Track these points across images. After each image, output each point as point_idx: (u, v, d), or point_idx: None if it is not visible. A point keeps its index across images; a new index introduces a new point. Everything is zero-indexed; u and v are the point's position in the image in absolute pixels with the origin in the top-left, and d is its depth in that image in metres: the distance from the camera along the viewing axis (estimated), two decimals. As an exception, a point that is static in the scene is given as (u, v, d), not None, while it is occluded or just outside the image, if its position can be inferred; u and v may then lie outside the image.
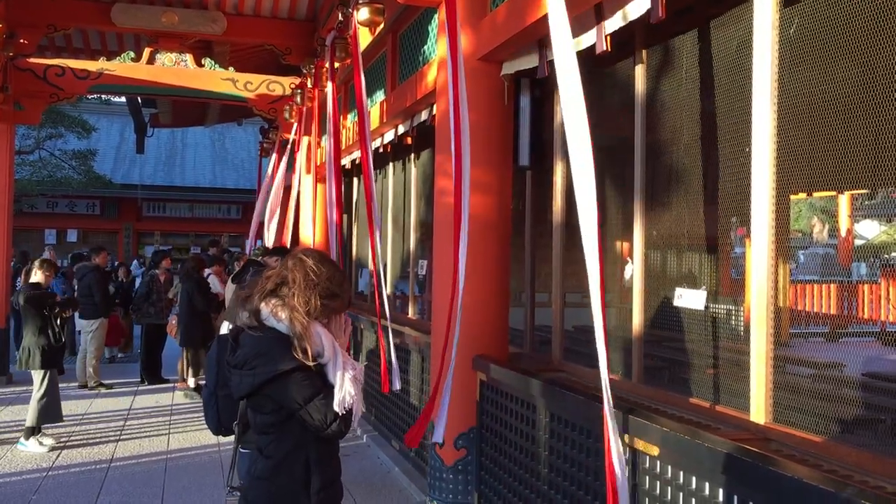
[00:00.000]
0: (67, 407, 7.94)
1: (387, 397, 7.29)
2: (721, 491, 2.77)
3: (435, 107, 5.42)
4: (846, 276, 5.47)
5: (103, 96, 20.83)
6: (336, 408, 2.54)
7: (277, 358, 2.54)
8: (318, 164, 9.67)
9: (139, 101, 14.41)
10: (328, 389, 2.57)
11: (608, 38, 3.87)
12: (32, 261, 8.29)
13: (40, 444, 7.04)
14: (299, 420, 2.57)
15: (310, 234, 9.96)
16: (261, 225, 11.35)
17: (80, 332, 10.68)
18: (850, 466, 2.65)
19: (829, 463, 2.70)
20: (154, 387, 10.34)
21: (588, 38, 4.15)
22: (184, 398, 9.58)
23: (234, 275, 9.75)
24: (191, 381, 9.69)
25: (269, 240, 10.12)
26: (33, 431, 7.10)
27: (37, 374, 7.13)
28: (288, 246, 9.16)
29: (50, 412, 7.21)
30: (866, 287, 5.13)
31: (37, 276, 7.40)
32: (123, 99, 17.34)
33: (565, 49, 3.22)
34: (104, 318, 10.55)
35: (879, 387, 3.04)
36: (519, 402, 4.46)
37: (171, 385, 10.29)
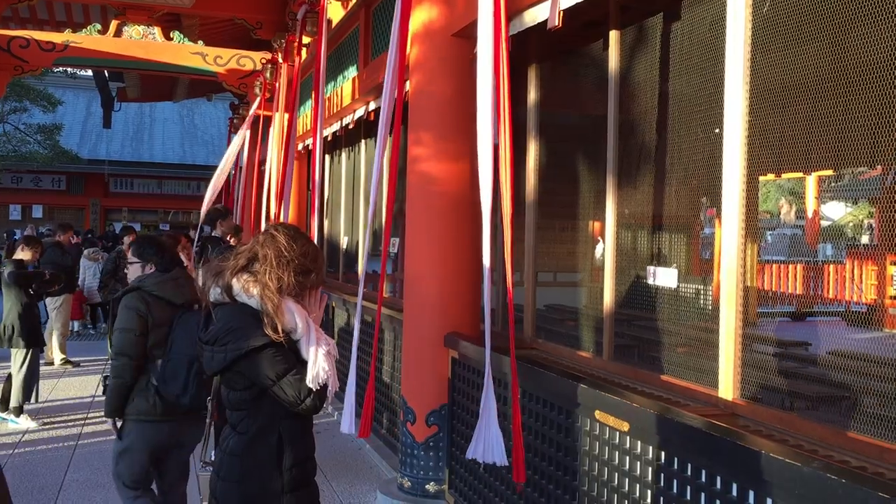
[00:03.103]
0: (34, 384, 7.84)
1: (358, 375, 7.28)
2: (690, 465, 2.81)
3: (409, 83, 5.38)
4: (812, 256, 5.55)
5: (69, 69, 20.39)
6: (309, 383, 2.53)
7: (249, 334, 2.52)
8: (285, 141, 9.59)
9: (106, 74, 14.15)
10: (301, 365, 2.56)
11: (562, 13, 3.84)
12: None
13: (14, 422, 6.99)
14: (272, 396, 2.55)
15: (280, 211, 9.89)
16: (233, 200, 11.24)
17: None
18: (815, 441, 2.70)
19: (796, 438, 2.75)
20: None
21: (542, 12, 4.12)
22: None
23: (196, 255, 9.68)
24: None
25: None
26: (21, 409, 7.07)
27: (19, 353, 7.01)
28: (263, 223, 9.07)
29: (29, 390, 7.15)
30: (832, 267, 5.21)
31: (24, 252, 7.20)
32: (90, 72, 17.01)
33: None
34: (68, 294, 10.41)
35: (844, 365, 3.10)
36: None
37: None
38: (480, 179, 3.47)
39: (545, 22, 3.85)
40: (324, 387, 2.56)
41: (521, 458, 3.43)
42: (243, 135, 10.46)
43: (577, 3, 3.75)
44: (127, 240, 10.86)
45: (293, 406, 2.54)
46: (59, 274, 8.45)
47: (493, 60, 3.56)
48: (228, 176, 12.06)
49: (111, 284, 10.63)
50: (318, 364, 2.54)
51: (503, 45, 3.68)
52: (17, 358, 7.03)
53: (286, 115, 8.25)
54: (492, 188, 3.47)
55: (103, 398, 4.25)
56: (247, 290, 2.58)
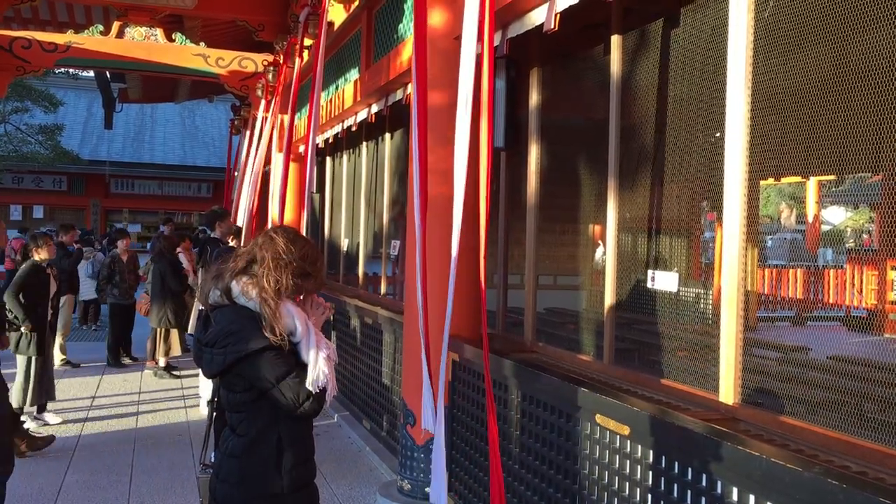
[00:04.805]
0: (33, 385, 7.83)
1: (358, 377, 7.29)
2: (690, 470, 2.81)
3: (410, 86, 5.38)
4: (812, 261, 5.55)
5: (71, 70, 20.40)
6: (309, 386, 2.53)
7: (249, 336, 2.52)
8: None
9: (107, 75, 14.16)
10: (301, 368, 2.56)
11: (558, 16, 3.84)
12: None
13: (45, 421, 7.05)
14: (271, 399, 2.56)
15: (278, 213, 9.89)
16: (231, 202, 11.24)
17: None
18: (816, 447, 2.70)
19: (796, 443, 2.75)
20: (122, 366, 10.25)
21: (538, 15, 4.12)
22: (153, 377, 9.50)
23: (196, 257, 9.67)
24: (161, 361, 9.61)
25: (241, 219, 10.05)
26: (44, 407, 7.15)
27: (23, 359, 6.99)
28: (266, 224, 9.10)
29: (49, 391, 7.22)
30: (832, 272, 5.21)
31: (40, 252, 7.05)
32: (91, 73, 17.02)
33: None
34: (71, 295, 10.43)
35: (844, 370, 3.10)
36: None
37: (139, 364, 10.21)
38: (455, 179, 3.48)
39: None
40: (323, 390, 2.56)
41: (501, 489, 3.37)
42: (265, 135, 10.46)
43: (578, 8, 3.75)
44: (121, 244, 10.85)
45: (292, 409, 2.54)
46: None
47: (477, 61, 3.57)
48: (231, 177, 12.06)
49: (108, 289, 10.65)
50: (318, 367, 2.54)
51: (486, 48, 3.68)
52: (23, 365, 6.99)
53: (284, 117, 8.27)
54: (482, 189, 3.47)
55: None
56: (246, 292, 2.58)
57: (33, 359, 6.88)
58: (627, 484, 3.18)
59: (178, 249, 9.99)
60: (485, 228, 3.53)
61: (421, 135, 4.29)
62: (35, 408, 7.13)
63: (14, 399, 7.00)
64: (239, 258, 2.67)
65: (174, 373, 9.63)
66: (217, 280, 2.66)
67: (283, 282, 2.58)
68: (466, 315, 5.05)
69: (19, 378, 6.88)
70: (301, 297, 2.72)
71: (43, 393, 7.03)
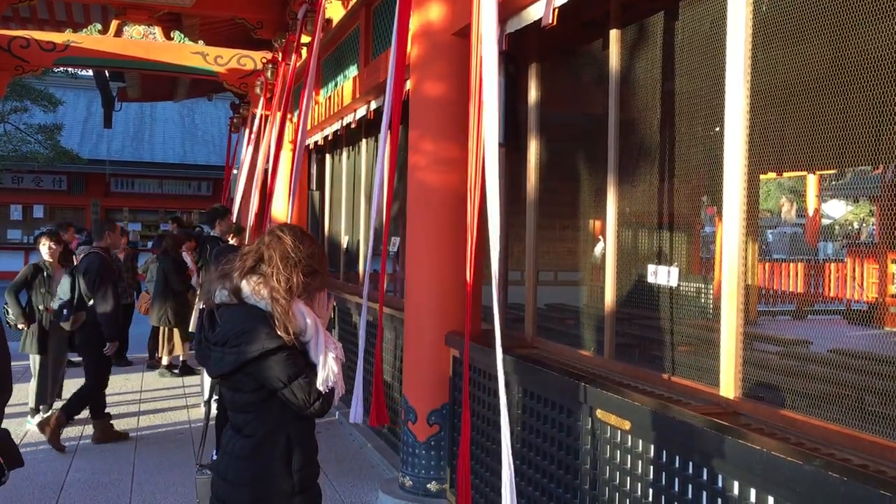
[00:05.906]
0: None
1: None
2: (691, 464, 2.82)
3: (409, 82, 5.38)
4: (813, 254, 5.54)
5: (70, 69, 20.35)
6: (319, 386, 2.53)
7: (262, 336, 2.51)
8: (290, 139, 9.60)
9: (106, 74, 14.14)
10: (310, 368, 2.56)
11: (556, 11, 3.84)
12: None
13: (30, 422, 7.07)
14: (281, 399, 2.55)
15: (281, 210, 9.89)
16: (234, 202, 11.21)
17: None
18: (816, 440, 2.70)
19: (797, 436, 2.75)
20: (128, 364, 10.24)
21: (537, 10, 4.12)
22: (157, 376, 9.50)
23: (196, 255, 9.64)
24: (164, 360, 9.61)
25: (241, 217, 10.06)
26: (37, 410, 7.15)
27: (35, 359, 7.08)
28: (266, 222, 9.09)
29: (43, 394, 7.26)
30: (832, 266, 5.20)
31: (43, 250, 7.12)
32: (90, 72, 16.99)
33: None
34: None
35: (844, 363, 3.10)
36: (492, 379, 4.48)
37: (140, 363, 10.20)
38: (487, 178, 3.44)
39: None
40: (331, 390, 2.56)
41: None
42: (267, 136, 10.48)
43: (577, 3, 3.74)
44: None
45: (302, 409, 2.54)
46: None
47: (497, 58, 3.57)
48: (231, 175, 12.05)
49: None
50: (328, 367, 2.54)
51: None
52: (35, 363, 7.11)
53: (279, 115, 8.28)
54: (499, 186, 3.46)
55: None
56: (257, 292, 2.57)
57: (37, 357, 6.96)
58: (629, 479, 3.18)
59: (183, 249, 9.98)
60: (476, 223, 3.51)
61: (393, 138, 4.34)
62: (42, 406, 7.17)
63: (30, 399, 7.09)
64: (246, 257, 2.64)
65: (175, 371, 9.63)
66: (224, 279, 2.64)
67: (293, 280, 2.56)
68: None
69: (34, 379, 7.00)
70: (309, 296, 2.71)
71: (48, 393, 7.12)
